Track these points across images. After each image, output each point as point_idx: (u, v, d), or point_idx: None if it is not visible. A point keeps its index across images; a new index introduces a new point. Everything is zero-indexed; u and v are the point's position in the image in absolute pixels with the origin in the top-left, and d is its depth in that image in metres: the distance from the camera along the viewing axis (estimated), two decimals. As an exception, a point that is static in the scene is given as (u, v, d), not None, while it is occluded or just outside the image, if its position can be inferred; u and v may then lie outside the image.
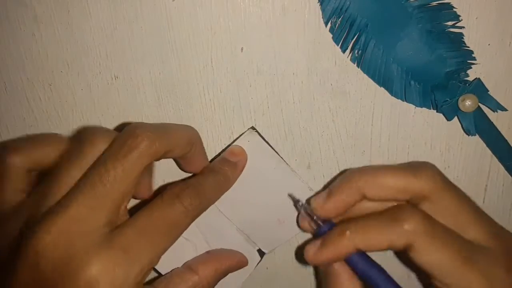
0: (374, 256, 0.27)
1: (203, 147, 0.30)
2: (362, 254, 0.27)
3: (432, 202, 0.26)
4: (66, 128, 0.32)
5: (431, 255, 0.24)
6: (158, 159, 0.26)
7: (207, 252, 0.31)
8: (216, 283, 0.29)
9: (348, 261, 0.27)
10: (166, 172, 0.32)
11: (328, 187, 0.29)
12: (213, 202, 0.29)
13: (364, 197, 0.27)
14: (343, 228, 0.26)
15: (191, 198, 0.26)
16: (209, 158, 0.32)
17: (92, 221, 0.24)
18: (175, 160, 0.31)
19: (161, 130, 0.26)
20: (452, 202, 0.26)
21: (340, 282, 0.27)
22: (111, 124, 0.32)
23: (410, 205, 0.26)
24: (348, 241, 0.26)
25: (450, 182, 0.27)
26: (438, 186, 0.26)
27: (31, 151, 0.27)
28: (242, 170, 0.31)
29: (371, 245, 0.26)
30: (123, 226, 0.25)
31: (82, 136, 0.26)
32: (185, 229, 0.26)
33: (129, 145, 0.24)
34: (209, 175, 0.29)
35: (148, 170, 0.28)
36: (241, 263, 0.31)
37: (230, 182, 0.30)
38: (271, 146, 0.31)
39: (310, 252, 0.27)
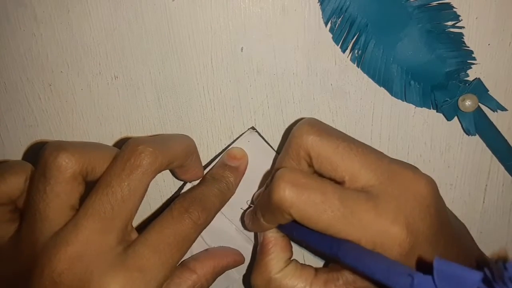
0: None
1: (199, 156, 0.30)
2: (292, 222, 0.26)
3: (314, 158, 0.25)
4: (66, 128, 0.32)
5: (312, 223, 0.23)
6: (159, 172, 0.26)
7: (206, 250, 0.31)
8: (214, 280, 0.29)
9: (278, 228, 0.27)
10: (166, 171, 0.32)
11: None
12: (219, 211, 0.29)
13: None
14: (257, 213, 0.27)
15: (199, 212, 0.27)
16: (209, 158, 0.32)
17: (104, 243, 0.24)
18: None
19: (161, 144, 0.26)
20: (331, 153, 0.25)
21: (267, 248, 0.27)
22: (110, 124, 0.32)
23: (280, 174, 0.24)
24: (263, 223, 0.26)
25: (327, 133, 0.25)
26: (312, 141, 0.25)
27: None
28: (243, 174, 0.31)
29: (280, 223, 0.26)
30: (136, 244, 0.25)
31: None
32: (194, 241, 0.27)
33: (132, 163, 0.25)
34: (213, 185, 0.29)
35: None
36: (238, 261, 0.31)
37: (233, 188, 0.30)
38: (271, 146, 0.31)
39: (246, 222, 0.30)
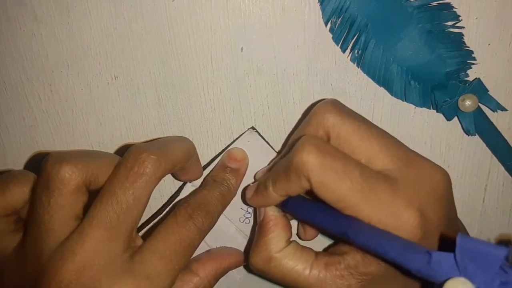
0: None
1: (198, 156, 0.30)
2: (296, 197, 0.26)
3: (333, 139, 0.25)
4: (66, 128, 0.32)
5: (328, 191, 0.23)
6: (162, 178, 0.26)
7: (207, 251, 0.31)
8: (216, 282, 0.29)
9: (281, 205, 0.27)
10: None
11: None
12: (221, 214, 0.29)
13: None
14: (267, 181, 0.26)
15: (203, 218, 0.27)
16: (209, 158, 0.32)
17: (111, 251, 0.24)
18: None
19: (163, 150, 0.26)
20: (351, 134, 0.25)
21: (267, 227, 0.27)
22: (110, 124, 0.32)
23: (305, 138, 0.24)
24: (271, 193, 0.26)
25: (348, 114, 0.25)
26: (334, 120, 0.25)
27: None
28: (244, 175, 0.31)
29: (290, 193, 0.25)
30: (143, 251, 0.25)
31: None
32: (198, 246, 0.27)
33: (136, 171, 0.25)
34: (215, 188, 0.29)
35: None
36: (240, 261, 0.31)
37: (235, 190, 0.30)
38: (271, 146, 0.31)
39: (248, 195, 0.29)
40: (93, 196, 0.25)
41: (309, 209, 0.25)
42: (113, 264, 0.24)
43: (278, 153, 0.32)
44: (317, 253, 0.26)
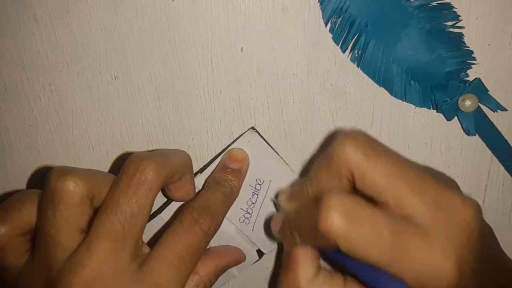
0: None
1: (193, 174, 0.30)
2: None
3: (358, 180, 0.23)
4: (66, 128, 0.32)
5: (358, 255, 0.22)
6: (163, 186, 0.26)
7: (207, 249, 0.31)
8: (216, 279, 0.29)
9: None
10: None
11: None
12: (225, 215, 0.29)
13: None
14: (294, 233, 0.25)
15: (209, 221, 0.27)
16: (209, 158, 0.32)
17: (119, 262, 0.24)
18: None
19: (163, 157, 0.26)
20: (377, 176, 0.23)
21: (296, 257, 0.25)
22: (110, 124, 0.32)
23: (329, 201, 0.22)
24: (300, 243, 0.25)
25: (374, 151, 0.23)
26: (358, 161, 0.23)
27: (16, 217, 0.26)
28: (245, 175, 0.31)
29: (313, 246, 0.25)
30: (151, 260, 0.25)
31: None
32: (204, 250, 0.27)
33: (138, 178, 0.25)
34: (218, 190, 0.29)
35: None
36: (239, 259, 0.31)
37: (237, 191, 0.30)
38: (271, 146, 0.31)
39: (274, 229, 0.28)
40: (96, 212, 0.25)
41: (346, 258, 0.23)
42: (122, 275, 0.24)
43: (278, 153, 0.32)
44: (345, 280, 0.25)
